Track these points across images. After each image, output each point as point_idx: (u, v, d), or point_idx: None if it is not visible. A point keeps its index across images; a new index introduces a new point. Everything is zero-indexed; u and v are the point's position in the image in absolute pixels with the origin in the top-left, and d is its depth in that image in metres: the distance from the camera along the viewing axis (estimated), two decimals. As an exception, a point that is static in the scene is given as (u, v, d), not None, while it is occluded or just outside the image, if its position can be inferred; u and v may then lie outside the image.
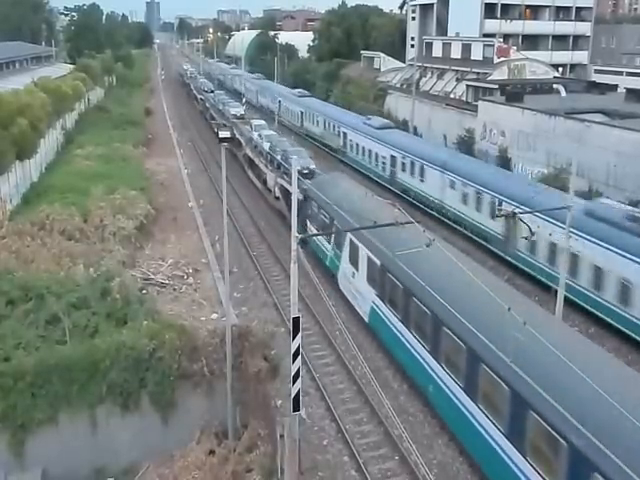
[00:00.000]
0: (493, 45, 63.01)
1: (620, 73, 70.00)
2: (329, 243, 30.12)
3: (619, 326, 25.16)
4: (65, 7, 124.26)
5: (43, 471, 18.42)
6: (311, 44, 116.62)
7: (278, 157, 41.49)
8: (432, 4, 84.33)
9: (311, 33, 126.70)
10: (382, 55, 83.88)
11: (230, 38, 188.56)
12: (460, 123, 54.12)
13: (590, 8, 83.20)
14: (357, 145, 52.11)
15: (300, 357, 16.58)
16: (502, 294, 16.65)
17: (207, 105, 77.31)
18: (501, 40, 68.34)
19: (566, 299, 22.12)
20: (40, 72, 60.98)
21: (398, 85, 72.31)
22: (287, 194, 36.29)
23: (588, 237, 25.53)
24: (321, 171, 39.29)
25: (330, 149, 58.95)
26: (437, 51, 71.19)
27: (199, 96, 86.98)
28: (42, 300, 21.92)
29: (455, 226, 37.45)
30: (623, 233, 24.70)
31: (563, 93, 50.92)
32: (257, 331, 21.40)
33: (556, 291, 21.61)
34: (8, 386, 17.92)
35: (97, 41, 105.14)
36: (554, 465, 14.01)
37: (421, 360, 20.38)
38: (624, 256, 24.09)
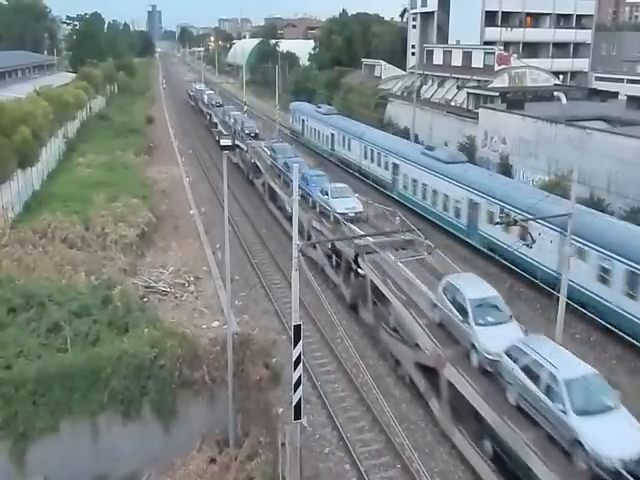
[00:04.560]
0: (494, 53, 63.09)
1: (621, 80, 70.10)
2: None
3: None
4: (67, 16, 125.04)
5: (44, 479, 18.38)
6: (312, 52, 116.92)
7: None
8: (433, 12, 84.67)
9: (312, 41, 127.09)
10: (383, 63, 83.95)
11: (231, 46, 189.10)
12: (461, 131, 54.18)
13: (590, 15, 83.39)
14: (415, 181, 41.89)
15: (301, 365, 16.57)
16: None
17: (260, 166, 47.42)
18: (502, 48, 68.52)
19: (568, 306, 22.09)
20: (42, 81, 61.28)
21: (399, 93, 72.42)
22: None
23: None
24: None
25: (370, 178, 49.83)
26: (438, 59, 71.30)
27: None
28: (43, 308, 21.91)
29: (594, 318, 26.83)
30: None
31: (564, 100, 50.92)
32: (258, 339, 21.36)
33: (558, 298, 21.57)
34: (9, 394, 17.88)
35: (99, 50, 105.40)
36: None
37: None
38: None
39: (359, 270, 27.33)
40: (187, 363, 19.67)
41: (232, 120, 63.84)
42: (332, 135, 58.10)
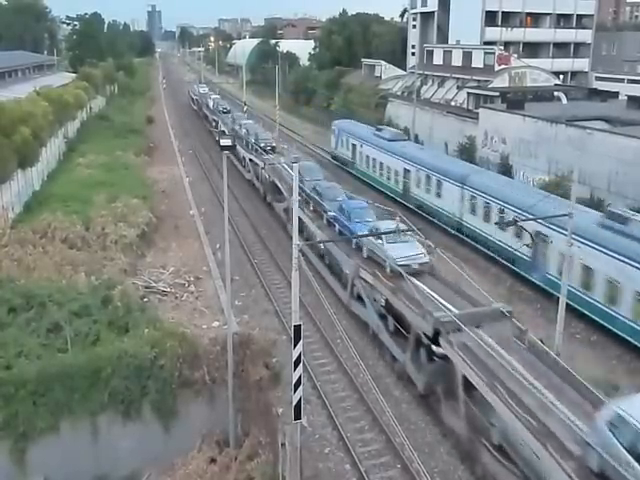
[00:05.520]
0: (494, 53, 63.12)
1: (621, 80, 70.15)
2: None
3: None
4: (67, 16, 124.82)
5: (44, 479, 18.39)
6: (312, 52, 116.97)
7: None
8: (433, 12, 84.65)
9: (312, 41, 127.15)
10: (383, 63, 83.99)
11: (231, 47, 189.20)
12: (461, 131, 54.15)
13: (591, 15, 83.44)
14: (588, 271, 26.78)
15: (301, 365, 16.57)
16: None
17: (282, 189, 40.27)
18: (502, 48, 68.52)
19: (568, 306, 22.09)
20: (42, 81, 61.23)
21: (399, 93, 72.42)
22: None
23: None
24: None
25: (479, 242, 35.19)
26: (438, 59, 71.33)
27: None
28: (44, 308, 21.93)
29: None
30: None
31: (564, 100, 50.96)
32: (258, 339, 21.39)
33: (558, 299, 21.56)
34: (10, 394, 17.91)
35: (99, 50, 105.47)
36: None
37: None
38: None
39: (434, 347, 20.76)
40: (187, 363, 19.69)
41: (244, 130, 55.46)
42: (406, 172, 43.78)
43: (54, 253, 28.55)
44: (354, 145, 52.95)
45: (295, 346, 16.29)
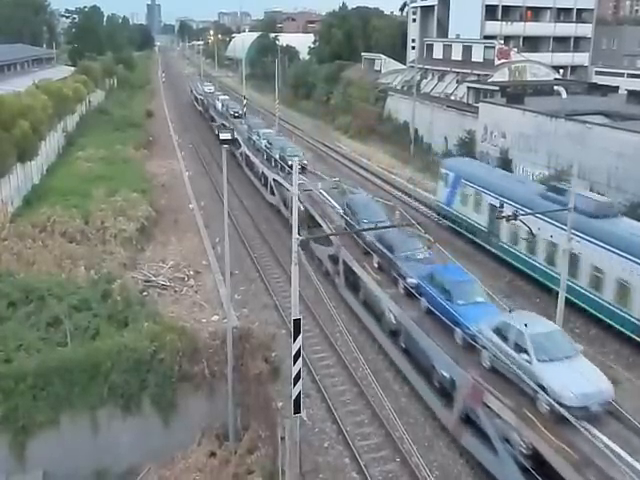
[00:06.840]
0: (494, 47, 63.02)
1: (621, 75, 69.96)
2: None
3: None
4: (66, 9, 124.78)
5: (44, 473, 18.39)
6: (312, 46, 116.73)
7: None
8: (433, 6, 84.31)
9: (312, 35, 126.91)
10: (383, 57, 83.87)
11: (231, 40, 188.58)
12: (461, 125, 54.06)
13: (591, 10, 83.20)
14: None
15: (301, 359, 16.60)
16: None
17: (323, 225, 31.61)
18: (502, 42, 68.34)
19: (567, 301, 22.09)
20: (41, 74, 61.18)
21: (399, 87, 72.32)
22: None
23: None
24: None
25: None
26: (438, 53, 71.24)
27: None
28: (43, 302, 21.95)
29: None
30: None
31: (564, 95, 50.82)
32: (258, 333, 21.41)
33: (557, 293, 21.57)
34: (9, 388, 17.92)
35: (98, 43, 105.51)
36: None
37: None
38: None
39: None
40: (187, 357, 19.70)
41: (264, 141, 46.39)
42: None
43: (53, 247, 28.58)
44: (498, 211, 27.13)
45: (295, 340, 16.31)
